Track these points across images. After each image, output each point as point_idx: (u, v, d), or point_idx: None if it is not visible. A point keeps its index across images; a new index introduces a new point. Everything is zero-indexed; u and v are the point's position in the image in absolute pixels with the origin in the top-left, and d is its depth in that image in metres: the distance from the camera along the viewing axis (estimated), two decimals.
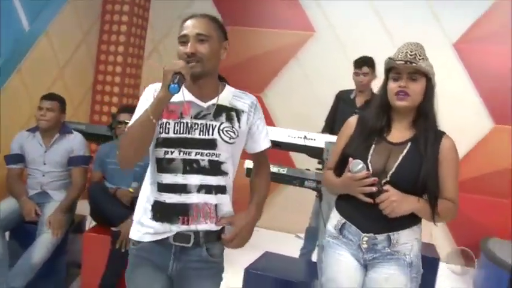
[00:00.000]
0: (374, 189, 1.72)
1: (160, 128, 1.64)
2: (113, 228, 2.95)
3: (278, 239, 5.03)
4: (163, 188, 1.66)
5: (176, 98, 1.62)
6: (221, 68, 1.78)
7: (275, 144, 3.32)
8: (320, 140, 3.26)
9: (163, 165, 1.66)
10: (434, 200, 1.76)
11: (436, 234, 4.48)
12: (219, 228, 1.71)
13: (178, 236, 1.66)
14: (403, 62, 1.77)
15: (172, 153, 1.65)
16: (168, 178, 1.65)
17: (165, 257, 1.69)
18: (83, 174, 3.25)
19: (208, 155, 1.66)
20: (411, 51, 1.79)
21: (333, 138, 3.23)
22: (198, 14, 1.72)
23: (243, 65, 5.39)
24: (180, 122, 1.66)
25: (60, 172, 3.22)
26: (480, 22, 4.87)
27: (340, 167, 1.89)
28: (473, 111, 4.91)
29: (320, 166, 3.46)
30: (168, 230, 1.66)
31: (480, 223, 4.61)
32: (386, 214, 1.72)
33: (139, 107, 1.68)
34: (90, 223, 3.41)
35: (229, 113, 1.71)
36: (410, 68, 1.77)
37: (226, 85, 1.81)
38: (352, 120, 1.97)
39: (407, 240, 1.80)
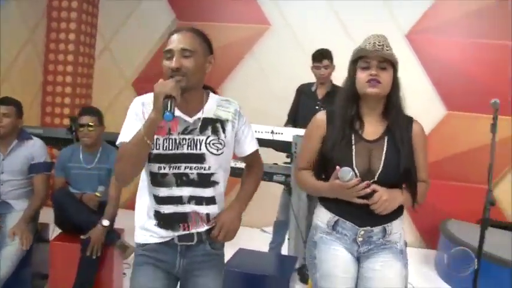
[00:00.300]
0: (368, 190, 1.75)
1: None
2: (82, 236, 2.87)
3: (244, 235, 5.00)
4: (160, 200, 1.75)
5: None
6: None
7: None
8: (287, 133, 3.30)
9: (158, 180, 1.75)
10: (414, 187, 1.84)
11: None
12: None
13: (182, 237, 1.77)
14: (373, 50, 1.79)
15: (164, 168, 1.73)
16: (164, 192, 1.75)
17: (171, 256, 1.78)
18: (45, 182, 3.12)
19: (196, 168, 1.74)
20: (379, 42, 1.84)
21: (300, 131, 3.28)
22: (183, 28, 1.77)
23: None
24: (169, 139, 1.73)
25: (20, 180, 3.07)
26: (429, 13, 5.03)
27: (318, 167, 1.92)
28: (426, 99, 5.08)
29: (288, 160, 3.49)
30: (172, 235, 1.77)
31: (439, 207, 4.78)
32: (378, 213, 1.77)
33: (128, 121, 1.73)
34: (53, 231, 3.29)
35: (215, 125, 1.78)
36: (380, 57, 1.81)
37: (211, 94, 1.85)
38: (321, 118, 1.94)
39: (397, 230, 1.87)
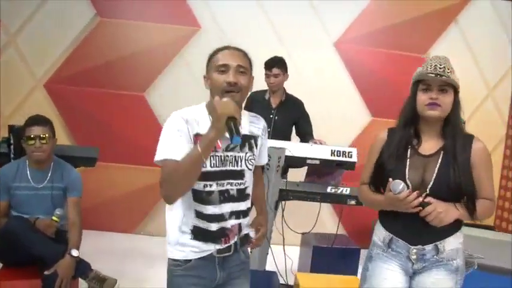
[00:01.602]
0: (421, 199, 1.82)
1: None
2: (47, 272, 2.50)
3: None
4: (205, 217, 1.78)
5: (205, 127, 1.68)
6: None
7: None
8: None
9: (203, 197, 1.77)
10: (471, 203, 1.90)
11: (325, 220, 4.78)
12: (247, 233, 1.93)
13: (221, 249, 1.82)
14: (433, 75, 1.85)
15: (211, 186, 1.77)
16: (209, 209, 1.78)
17: (211, 270, 1.83)
18: None
19: (236, 184, 1.83)
20: (440, 65, 1.90)
21: (273, 143, 3.22)
22: (232, 47, 1.85)
23: (124, 62, 5.04)
24: (215, 156, 1.77)
25: None
26: (356, 23, 5.30)
27: (375, 179, 2.02)
28: (353, 106, 5.37)
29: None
30: (213, 248, 1.80)
31: (367, 208, 5.04)
32: (434, 225, 1.84)
33: (171, 137, 1.72)
34: None
35: (250, 141, 1.89)
36: (441, 81, 1.87)
37: (242, 110, 1.89)
38: (382, 135, 2.06)
39: (453, 246, 1.94)
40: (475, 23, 5.46)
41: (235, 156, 1.81)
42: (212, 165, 1.75)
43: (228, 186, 1.80)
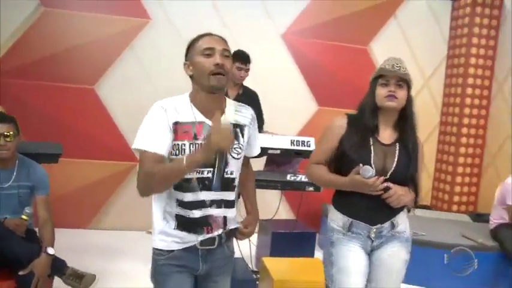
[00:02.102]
0: (384, 185, 2.04)
1: (176, 149, 1.75)
2: (22, 272, 2.48)
3: (129, 238, 4.85)
4: (185, 205, 1.79)
5: (188, 117, 1.78)
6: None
7: None
8: None
9: (183, 185, 1.78)
10: (417, 189, 2.18)
11: (275, 208, 4.97)
12: (233, 227, 1.93)
13: (205, 241, 1.83)
14: (392, 71, 2.09)
15: (194, 173, 1.77)
16: (189, 196, 1.79)
17: (194, 261, 1.85)
18: None
19: (218, 173, 1.82)
20: (397, 64, 2.13)
21: None
22: (213, 33, 1.88)
23: (71, 54, 4.93)
24: (195, 143, 1.76)
25: None
26: (302, 16, 5.51)
27: (336, 164, 2.18)
28: (300, 96, 5.58)
29: None
30: (195, 239, 1.82)
31: (316, 193, 5.26)
32: (394, 206, 2.07)
33: (150, 126, 1.74)
34: None
35: (235, 130, 1.87)
36: (398, 76, 2.10)
37: (227, 99, 1.94)
38: (341, 121, 2.22)
39: (403, 221, 2.19)
40: (412, 17, 5.85)
41: None
42: (191, 153, 1.74)
43: (209, 175, 1.79)
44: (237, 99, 3.94)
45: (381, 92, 2.12)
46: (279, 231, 3.98)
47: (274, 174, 3.63)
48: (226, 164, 1.82)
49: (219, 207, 1.83)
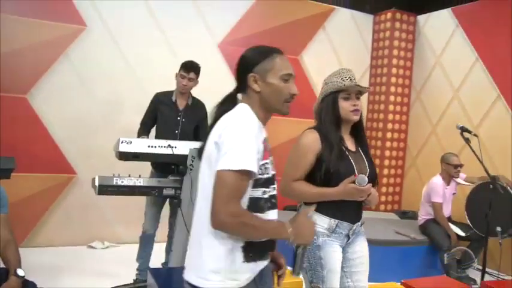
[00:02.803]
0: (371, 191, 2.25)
1: (263, 169, 1.64)
2: None
3: (71, 254, 4.70)
4: None
5: (263, 135, 1.69)
6: None
7: (133, 156, 3.26)
8: (183, 147, 3.36)
9: (261, 205, 1.67)
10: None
11: None
12: None
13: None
14: (355, 85, 2.29)
15: (270, 192, 1.70)
16: (270, 216, 1.69)
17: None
18: None
19: (274, 189, 1.77)
20: (352, 77, 2.31)
21: (195, 144, 3.39)
22: (281, 51, 1.78)
23: (2, 60, 4.62)
24: (272, 160, 1.74)
25: None
26: (237, 27, 5.68)
27: (322, 178, 2.25)
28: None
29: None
30: (261, 265, 1.71)
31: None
32: (371, 205, 2.35)
33: (251, 145, 1.57)
34: None
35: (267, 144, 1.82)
36: (358, 91, 2.31)
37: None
38: (315, 136, 2.29)
39: (363, 219, 2.41)
40: (338, 29, 6.25)
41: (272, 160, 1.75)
42: (272, 169, 1.71)
43: (275, 192, 1.75)
44: (187, 109, 4.01)
45: (345, 105, 2.28)
46: None
47: None
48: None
49: None
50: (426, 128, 6.05)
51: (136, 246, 4.99)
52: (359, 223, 2.36)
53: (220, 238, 1.60)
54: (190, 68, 3.90)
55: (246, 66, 1.78)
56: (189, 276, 1.66)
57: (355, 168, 2.27)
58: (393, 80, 6.17)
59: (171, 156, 3.33)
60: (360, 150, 2.38)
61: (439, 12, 6.04)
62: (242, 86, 1.79)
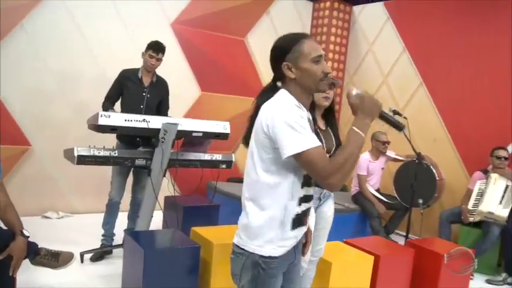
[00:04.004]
0: None
1: None
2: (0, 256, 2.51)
3: (28, 224, 4.81)
4: (304, 199, 1.83)
5: (305, 114, 1.80)
6: None
7: (111, 128, 3.54)
8: (157, 121, 3.69)
9: (307, 180, 1.82)
10: None
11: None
12: None
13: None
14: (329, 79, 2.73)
15: None
16: (309, 190, 1.88)
17: (292, 254, 1.89)
18: None
19: None
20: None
21: (167, 119, 3.73)
22: (308, 34, 1.87)
23: None
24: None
25: None
26: (189, 7, 5.95)
27: None
28: (186, 81, 6.02)
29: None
30: (302, 231, 1.90)
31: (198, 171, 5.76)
32: None
33: (303, 130, 1.67)
34: None
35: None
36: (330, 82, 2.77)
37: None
38: None
39: None
40: (281, 14, 6.69)
41: None
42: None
43: None
44: (152, 85, 4.30)
45: (317, 94, 2.70)
46: (189, 205, 4.48)
47: (193, 154, 4.08)
48: None
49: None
50: None
51: (90, 216, 5.26)
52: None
53: (273, 213, 1.78)
54: (158, 50, 4.20)
55: (278, 56, 1.83)
56: (243, 242, 1.83)
57: (324, 144, 2.70)
58: (329, 63, 6.74)
59: (146, 130, 3.64)
60: (330, 130, 2.84)
61: (373, 5, 6.67)
62: (278, 75, 1.86)
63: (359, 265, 3.45)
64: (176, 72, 5.91)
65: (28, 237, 2.68)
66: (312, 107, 2.60)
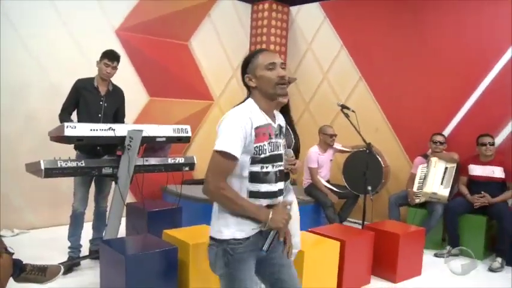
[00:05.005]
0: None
1: (257, 150, 2.03)
2: None
3: None
4: (260, 195, 2.08)
5: (262, 121, 2.06)
6: None
7: (77, 139, 3.56)
8: (122, 129, 3.75)
9: (261, 178, 2.07)
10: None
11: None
12: None
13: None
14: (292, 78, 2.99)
15: (267, 167, 2.09)
16: (265, 187, 2.09)
17: (262, 242, 2.09)
18: None
19: (281, 166, 2.18)
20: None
21: (133, 126, 3.79)
22: (264, 49, 2.23)
23: None
24: (271, 142, 2.10)
25: None
26: (133, 13, 5.96)
27: None
28: (133, 88, 6.01)
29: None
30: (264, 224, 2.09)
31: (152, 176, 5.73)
32: (295, 173, 2.97)
33: (235, 133, 1.95)
34: None
35: (282, 130, 2.24)
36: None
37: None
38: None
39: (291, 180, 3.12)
40: (221, 17, 6.87)
41: (278, 142, 2.13)
42: (270, 150, 2.07)
43: (280, 168, 2.14)
44: (108, 94, 4.32)
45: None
46: (154, 210, 4.54)
47: (157, 159, 4.15)
48: (282, 158, 2.18)
49: (280, 195, 2.15)
50: (300, 106, 7.04)
51: (46, 230, 5.17)
52: (288, 182, 2.96)
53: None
54: (113, 58, 4.22)
55: (242, 71, 2.14)
56: (212, 233, 2.10)
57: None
58: None
59: (112, 138, 3.68)
60: (288, 127, 3.02)
61: (309, 5, 6.98)
62: (247, 88, 2.15)
63: (327, 251, 3.71)
64: (123, 79, 5.82)
65: (13, 254, 2.68)
66: (285, 110, 2.79)
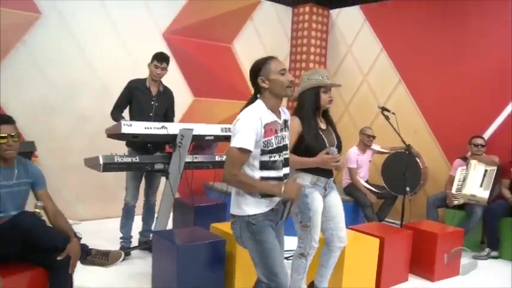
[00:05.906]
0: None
1: (266, 143, 2.42)
2: (60, 257, 2.76)
3: None
4: (270, 180, 2.47)
5: (270, 119, 2.45)
6: None
7: (133, 136, 3.81)
8: (174, 128, 3.98)
9: (269, 165, 2.49)
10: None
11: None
12: None
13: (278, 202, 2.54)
14: (332, 83, 3.17)
15: (274, 157, 2.50)
16: (274, 173, 2.50)
17: (276, 216, 2.53)
18: None
19: (286, 154, 2.58)
20: (328, 75, 3.17)
21: (185, 125, 4.03)
22: (274, 56, 2.54)
23: None
24: (277, 136, 2.50)
25: None
26: (178, 17, 6.24)
27: (304, 151, 3.07)
28: (179, 89, 6.24)
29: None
30: (276, 201, 2.52)
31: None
32: (339, 170, 3.24)
33: (249, 130, 2.33)
34: None
35: (286, 123, 2.63)
36: (332, 86, 3.18)
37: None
38: (296, 120, 3.08)
39: (334, 178, 3.26)
40: (263, 20, 7.08)
41: (282, 135, 2.52)
42: (277, 143, 2.46)
43: (286, 156, 2.54)
44: (159, 94, 4.57)
45: (324, 97, 3.12)
46: (201, 205, 4.76)
47: (206, 156, 4.39)
48: (287, 147, 2.57)
49: (285, 178, 2.53)
50: (340, 107, 7.18)
51: (95, 222, 5.46)
52: (332, 179, 3.19)
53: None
54: (162, 60, 4.45)
55: (254, 73, 2.49)
56: (233, 211, 2.52)
57: (326, 143, 3.10)
58: (311, 65, 7.17)
59: (165, 136, 3.93)
60: (330, 127, 3.22)
61: (349, 8, 7.12)
62: (256, 88, 2.52)
63: (367, 247, 3.86)
64: (170, 80, 6.12)
65: (81, 238, 2.94)
66: (316, 111, 3.13)
